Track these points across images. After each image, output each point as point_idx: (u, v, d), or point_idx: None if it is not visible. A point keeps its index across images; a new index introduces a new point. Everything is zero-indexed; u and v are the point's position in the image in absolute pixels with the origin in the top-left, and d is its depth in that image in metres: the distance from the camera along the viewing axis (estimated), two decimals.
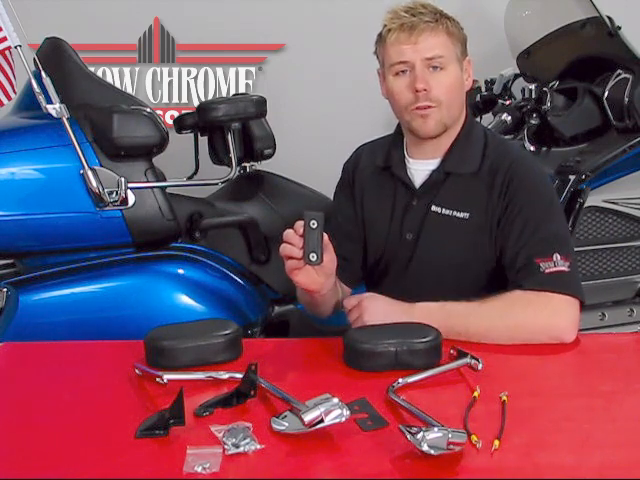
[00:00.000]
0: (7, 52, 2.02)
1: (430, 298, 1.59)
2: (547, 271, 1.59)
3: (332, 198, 1.95)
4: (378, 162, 1.81)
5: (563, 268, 1.60)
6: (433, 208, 1.71)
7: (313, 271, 1.49)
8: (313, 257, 1.44)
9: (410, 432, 1.10)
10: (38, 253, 2.17)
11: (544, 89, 2.69)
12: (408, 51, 1.65)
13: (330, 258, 1.50)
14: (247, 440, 1.14)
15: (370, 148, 1.87)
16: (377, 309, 1.60)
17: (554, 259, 1.60)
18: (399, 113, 1.72)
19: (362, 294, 1.69)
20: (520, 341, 1.53)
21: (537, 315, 1.56)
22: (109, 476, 1.11)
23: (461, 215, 1.69)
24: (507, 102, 2.75)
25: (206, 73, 3.46)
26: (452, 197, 1.71)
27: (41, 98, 1.98)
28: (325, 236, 1.45)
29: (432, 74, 1.66)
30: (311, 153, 3.27)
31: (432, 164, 1.74)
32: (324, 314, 1.79)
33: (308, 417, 1.14)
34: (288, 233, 1.47)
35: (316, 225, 1.42)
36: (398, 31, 1.65)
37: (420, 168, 1.75)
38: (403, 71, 1.67)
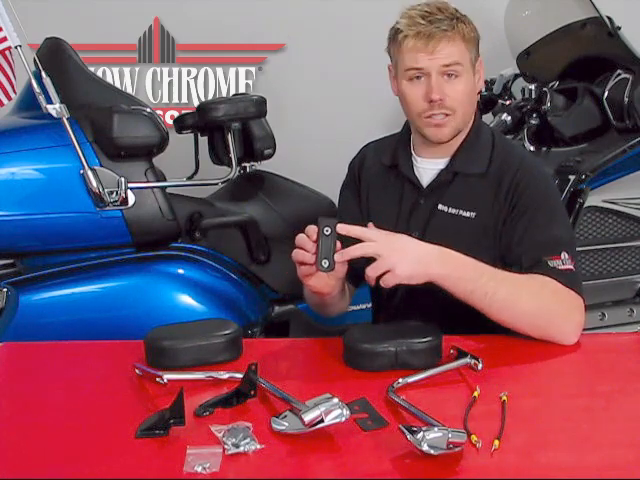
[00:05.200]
0: (7, 52, 2.02)
1: (434, 297, 1.58)
2: (559, 267, 1.57)
3: (333, 198, 1.95)
4: (385, 160, 1.81)
5: (571, 267, 1.59)
6: (440, 207, 1.71)
7: (325, 275, 1.49)
8: (325, 263, 1.44)
9: (410, 432, 1.10)
10: (38, 253, 2.17)
11: (544, 89, 2.68)
12: (424, 59, 1.63)
13: (342, 262, 1.49)
14: (247, 440, 1.14)
15: (376, 146, 1.86)
16: (408, 254, 1.48)
17: (562, 257, 1.58)
18: (411, 118, 1.72)
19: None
20: (533, 327, 1.51)
21: (561, 305, 1.55)
22: (109, 476, 1.11)
23: (467, 214, 1.69)
24: (507, 102, 2.75)
25: (206, 73, 3.46)
26: (459, 196, 1.70)
27: (41, 98, 1.98)
28: (337, 243, 1.45)
29: (447, 82, 1.64)
30: (311, 153, 3.27)
31: (440, 163, 1.73)
32: (332, 314, 1.81)
33: (308, 417, 1.14)
34: (301, 238, 1.47)
35: (330, 232, 1.42)
36: (415, 39, 1.62)
37: (428, 167, 1.75)
38: (418, 77, 1.65)
